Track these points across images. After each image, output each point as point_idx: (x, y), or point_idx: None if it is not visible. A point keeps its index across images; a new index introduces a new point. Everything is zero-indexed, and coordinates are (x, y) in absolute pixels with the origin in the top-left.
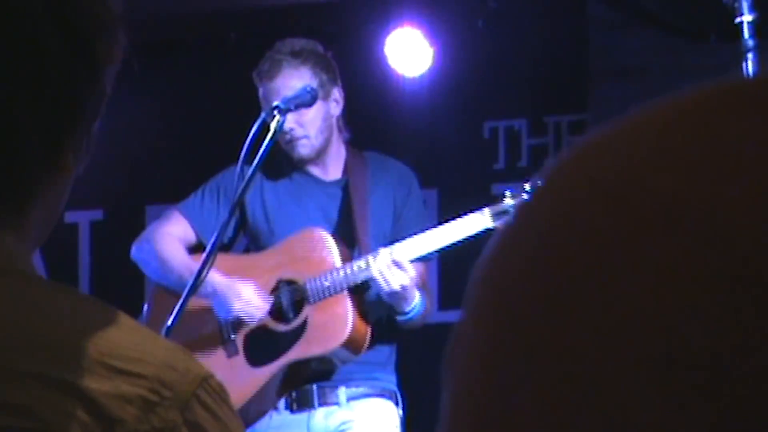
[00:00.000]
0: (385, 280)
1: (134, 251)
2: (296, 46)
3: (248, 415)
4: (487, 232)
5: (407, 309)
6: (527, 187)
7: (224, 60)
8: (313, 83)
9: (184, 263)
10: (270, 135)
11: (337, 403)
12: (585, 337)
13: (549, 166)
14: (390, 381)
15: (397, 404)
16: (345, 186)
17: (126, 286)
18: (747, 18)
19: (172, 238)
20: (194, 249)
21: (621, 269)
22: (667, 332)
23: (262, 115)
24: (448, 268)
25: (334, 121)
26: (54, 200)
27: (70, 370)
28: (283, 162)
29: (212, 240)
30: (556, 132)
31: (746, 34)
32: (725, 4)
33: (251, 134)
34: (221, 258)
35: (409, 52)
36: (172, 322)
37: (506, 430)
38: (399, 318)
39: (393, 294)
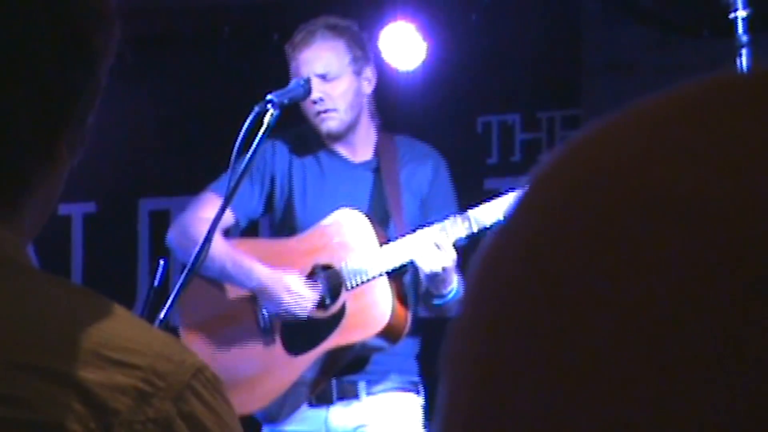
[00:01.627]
0: (427, 263)
1: (170, 238)
2: (331, 21)
3: (283, 408)
4: None
5: (445, 291)
6: None
7: (218, 53)
8: (346, 58)
9: (224, 252)
10: (263, 129)
11: (356, 398)
12: (583, 332)
13: (545, 159)
14: (411, 371)
15: (418, 393)
16: (375, 168)
17: (118, 279)
18: (741, 13)
19: (205, 222)
20: (230, 230)
21: (618, 263)
22: (665, 326)
23: (256, 108)
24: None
25: (365, 100)
26: (48, 192)
27: (64, 361)
28: (312, 142)
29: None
30: (550, 127)
31: (740, 29)
32: None
33: (245, 128)
34: (255, 243)
35: (402, 46)
36: (167, 312)
37: (502, 425)
38: (436, 302)
39: (434, 276)
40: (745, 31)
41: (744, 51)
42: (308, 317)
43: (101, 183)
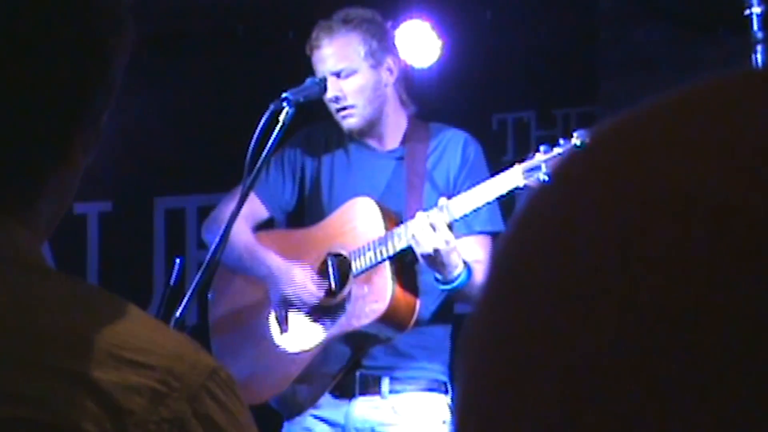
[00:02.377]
0: (418, 243)
1: (204, 232)
2: (350, 14)
3: (299, 397)
4: (518, 190)
5: (451, 277)
6: (561, 142)
7: (233, 52)
8: (361, 50)
9: (243, 243)
10: (279, 126)
11: (378, 394)
12: (599, 327)
13: (561, 156)
14: (438, 370)
15: (446, 393)
16: (401, 156)
17: (134, 278)
18: (756, 10)
19: (239, 217)
20: (263, 225)
21: (641, 258)
22: (681, 321)
23: (271, 106)
24: None
25: (388, 90)
26: (63, 192)
27: (80, 361)
28: (342, 134)
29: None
30: (565, 124)
31: (755, 26)
32: None
33: (260, 126)
34: (274, 235)
35: (417, 44)
36: (182, 312)
37: (517, 419)
38: (444, 288)
39: (429, 258)
40: (760, 28)
41: (759, 47)
42: (317, 305)
43: (117, 182)
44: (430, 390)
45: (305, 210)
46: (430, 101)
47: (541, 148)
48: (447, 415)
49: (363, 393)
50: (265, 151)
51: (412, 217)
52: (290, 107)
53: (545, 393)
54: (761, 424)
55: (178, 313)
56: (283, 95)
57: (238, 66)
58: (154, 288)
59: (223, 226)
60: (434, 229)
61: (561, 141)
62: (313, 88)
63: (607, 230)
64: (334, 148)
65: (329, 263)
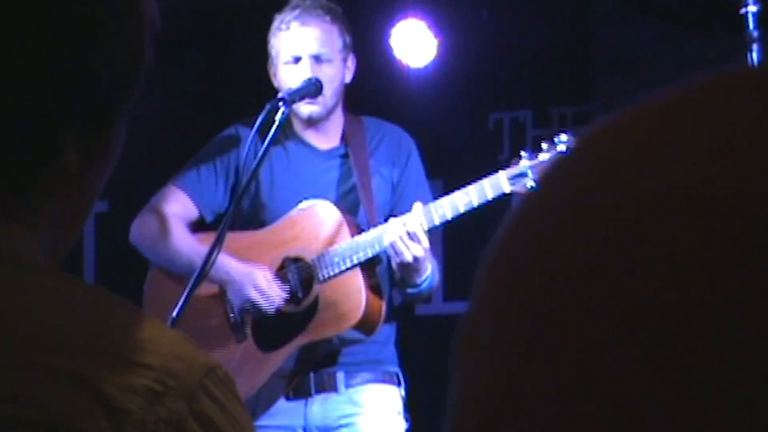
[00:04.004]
0: (398, 253)
1: (134, 235)
2: (328, 6)
3: (259, 403)
4: (503, 197)
5: (419, 281)
6: (544, 147)
7: (229, 53)
8: (338, 44)
9: (192, 247)
10: (275, 126)
11: (335, 391)
12: (597, 325)
13: (557, 155)
14: (391, 361)
15: (399, 385)
16: (344, 154)
17: (130, 278)
18: (752, 9)
19: (175, 219)
20: (196, 224)
21: (631, 257)
22: (676, 319)
23: (267, 106)
24: (453, 259)
25: (343, 88)
26: (63, 198)
27: (77, 361)
28: (277, 131)
29: (222, 225)
30: (561, 123)
31: (751, 25)
32: None
33: (256, 126)
34: (226, 238)
35: (414, 43)
36: (179, 311)
37: (516, 418)
38: (410, 291)
39: (406, 266)
40: (755, 27)
41: (755, 46)
42: (280, 312)
43: (114, 182)
44: (384, 382)
45: (246, 209)
46: (426, 100)
47: (523, 153)
48: (401, 407)
49: (319, 392)
50: (261, 150)
51: (368, 217)
52: (286, 107)
53: (542, 395)
54: (756, 426)
55: (174, 313)
56: (279, 95)
57: (234, 67)
58: None
59: (169, 229)
60: (413, 238)
61: (544, 146)
62: (309, 88)
63: (597, 230)
64: (271, 146)
65: (289, 268)
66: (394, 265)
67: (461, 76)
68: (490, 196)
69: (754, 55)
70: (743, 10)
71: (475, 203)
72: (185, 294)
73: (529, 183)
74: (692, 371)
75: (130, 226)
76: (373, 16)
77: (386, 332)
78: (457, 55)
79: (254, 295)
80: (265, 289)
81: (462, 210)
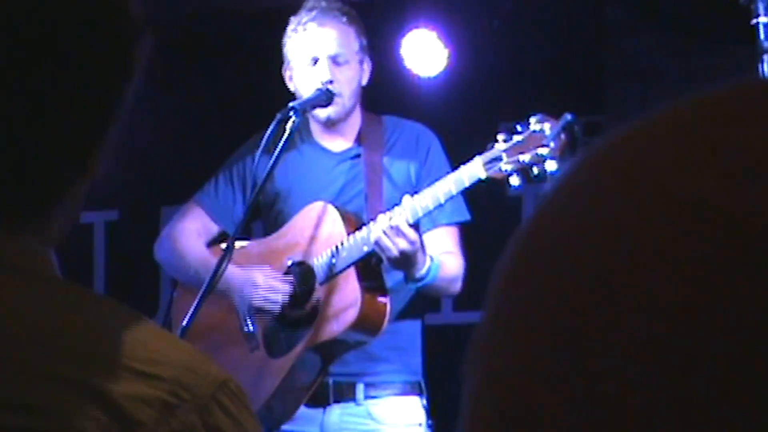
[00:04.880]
0: (383, 248)
1: (156, 251)
2: (344, 8)
3: (275, 413)
4: (479, 183)
5: (419, 275)
6: (518, 129)
7: (240, 60)
8: (356, 45)
9: (199, 258)
10: (285, 135)
11: (353, 400)
12: (611, 334)
13: (569, 165)
14: (413, 371)
15: (421, 395)
16: (356, 155)
17: (141, 287)
18: (763, 19)
19: (190, 233)
20: (215, 240)
21: (646, 269)
22: (687, 329)
23: (278, 115)
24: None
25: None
26: (74, 203)
27: (89, 372)
28: (293, 137)
29: (230, 239)
30: None
31: (762, 35)
32: (741, 5)
33: (267, 135)
34: (236, 250)
35: (424, 53)
36: (188, 322)
37: (531, 426)
38: (411, 285)
39: (396, 261)
40: (766, 38)
41: (766, 57)
42: (284, 315)
43: (124, 191)
44: (405, 393)
45: (269, 220)
46: (436, 110)
47: (500, 137)
48: (423, 418)
49: (337, 400)
50: (271, 160)
51: (374, 215)
52: (297, 116)
53: (557, 396)
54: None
55: (184, 322)
56: (290, 104)
57: (245, 74)
58: (160, 297)
59: (181, 242)
60: (397, 232)
61: (518, 128)
62: (320, 97)
63: (616, 238)
64: (286, 152)
65: (293, 272)
66: (385, 261)
67: (472, 86)
68: (467, 183)
69: (765, 66)
70: (754, 21)
71: (454, 191)
72: (194, 305)
73: (504, 166)
74: (718, 381)
75: (139, 235)
76: (384, 26)
77: (409, 334)
78: (467, 65)
79: (255, 294)
80: (264, 286)
81: (443, 200)
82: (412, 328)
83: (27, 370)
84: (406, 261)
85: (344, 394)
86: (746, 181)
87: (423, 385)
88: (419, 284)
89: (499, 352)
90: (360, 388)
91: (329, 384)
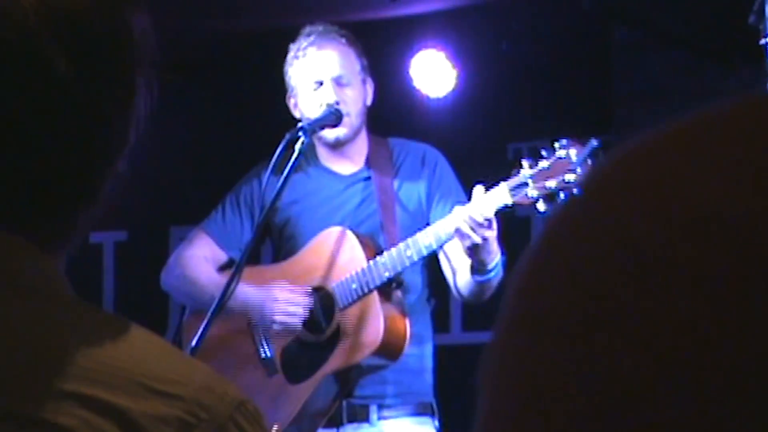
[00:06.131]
0: (464, 236)
1: (164, 280)
2: (337, 29)
3: None
4: (505, 209)
5: (489, 265)
6: (544, 154)
7: (250, 81)
8: (357, 65)
9: (213, 282)
10: (294, 156)
11: (367, 421)
12: (625, 351)
13: (582, 179)
14: (425, 392)
15: (433, 416)
16: (367, 178)
17: (150, 307)
18: None
19: (199, 259)
20: (224, 267)
21: (660, 282)
22: (700, 342)
23: (287, 136)
24: None
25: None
26: (86, 224)
27: (108, 391)
28: (299, 162)
29: (240, 258)
30: None
31: None
32: (750, 25)
33: (276, 155)
34: (248, 271)
35: (433, 73)
36: (197, 342)
37: None
38: (479, 278)
39: (476, 248)
40: None
41: None
42: (304, 340)
43: (132, 211)
44: (417, 414)
45: (280, 245)
46: (445, 130)
47: (525, 163)
48: None
49: (351, 421)
50: (280, 181)
51: (389, 240)
52: (306, 137)
53: (571, 412)
54: None
55: (194, 342)
56: (299, 124)
57: (254, 95)
58: (169, 317)
59: (191, 268)
60: (480, 224)
61: (543, 153)
62: (329, 117)
63: (629, 253)
64: (294, 174)
65: (312, 297)
66: (464, 250)
67: (480, 106)
68: (495, 208)
69: None
70: (763, 41)
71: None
72: (203, 325)
73: (531, 192)
74: (731, 394)
75: (148, 255)
76: (393, 47)
77: (420, 361)
78: (476, 86)
79: (276, 309)
80: (284, 301)
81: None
82: (425, 350)
83: (46, 388)
84: (486, 247)
85: (358, 415)
86: (760, 193)
87: (434, 406)
88: (485, 277)
89: (511, 369)
90: (373, 410)
91: (343, 405)
